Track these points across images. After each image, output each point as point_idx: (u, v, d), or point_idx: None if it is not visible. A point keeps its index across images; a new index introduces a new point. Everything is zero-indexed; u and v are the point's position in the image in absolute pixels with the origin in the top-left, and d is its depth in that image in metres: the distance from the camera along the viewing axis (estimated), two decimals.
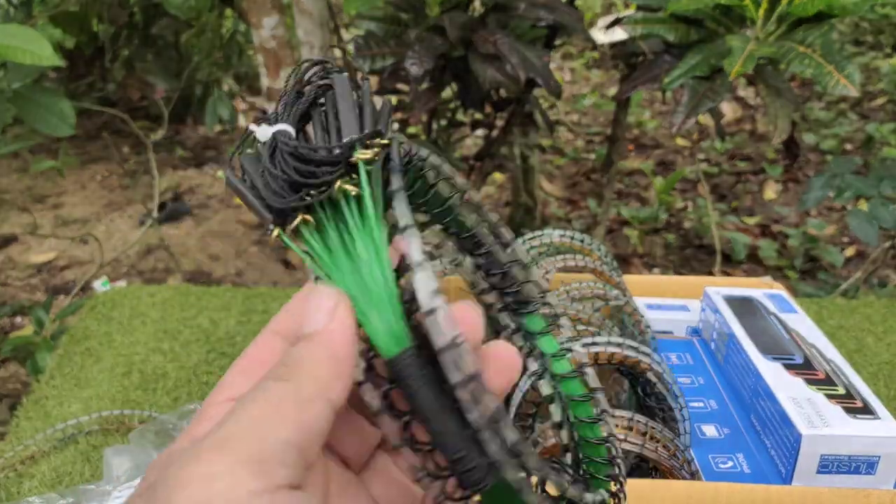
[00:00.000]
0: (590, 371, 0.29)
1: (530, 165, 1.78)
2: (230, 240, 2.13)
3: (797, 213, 2.15)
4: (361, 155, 0.23)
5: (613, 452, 0.28)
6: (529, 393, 0.54)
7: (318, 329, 0.22)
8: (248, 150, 0.26)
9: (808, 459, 0.50)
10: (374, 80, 2.00)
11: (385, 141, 0.24)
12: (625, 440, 0.49)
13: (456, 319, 0.20)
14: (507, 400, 0.58)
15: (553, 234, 0.70)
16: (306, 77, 0.27)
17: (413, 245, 0.21)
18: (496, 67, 1.10)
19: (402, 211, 0.22)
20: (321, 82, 0.26)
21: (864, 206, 1.13)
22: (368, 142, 0.24)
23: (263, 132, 0.25)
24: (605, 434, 0.28)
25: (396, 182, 0.23)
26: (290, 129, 0.25)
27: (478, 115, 1.53)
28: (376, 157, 0.23)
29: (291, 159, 0.23)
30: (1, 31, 0.90)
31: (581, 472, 0.29)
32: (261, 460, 0.19)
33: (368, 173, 0.23)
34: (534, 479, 0.22)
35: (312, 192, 0.23)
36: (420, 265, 0.21)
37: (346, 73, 0.26)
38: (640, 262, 1.99)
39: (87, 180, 2.52)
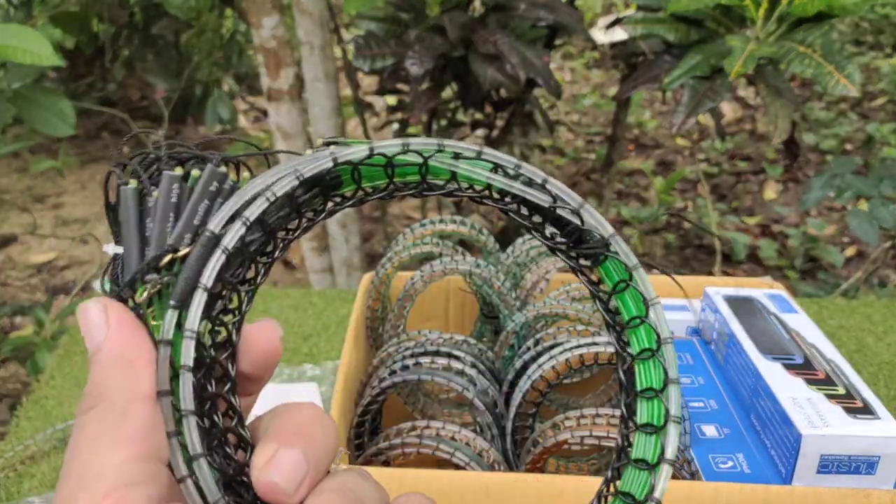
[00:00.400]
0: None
1: None
2: None
3: (797, 213, 2.15)
4: (139, 297, 0.22)
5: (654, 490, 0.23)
6: (529, 393, 0.54)
7: (99, 342, 0.21)
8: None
9: (808, 459, 0.50)
10: (373, 80, 2.00)
11: (184, 251, 0.22)
12: None
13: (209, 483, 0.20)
14: (507, 400, 0.58)
15: None
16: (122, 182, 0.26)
17: (164, 411, 0.21)
18: (496, 67, 1.10)
19: (161, 374, 0.21)
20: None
21: (864, 206, 1.13)
22: (172, 254, 0.22)
23: (111, 250, 0.24)
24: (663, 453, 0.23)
25: (168, 326, 0.21)
26: (120, 249, 0.24)
27: (478, 115, 1.53)
28: (155, 290, 0.22)
29: (109, 283, 0.23)
30: (1, 31, 0.90)
31: None
32: (114, 499, 0.19)
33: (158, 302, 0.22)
34: None
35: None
36: (170, 433, 0.21)
37: (133, 184, 0.24)
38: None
39: (87, 180, 2.52)
